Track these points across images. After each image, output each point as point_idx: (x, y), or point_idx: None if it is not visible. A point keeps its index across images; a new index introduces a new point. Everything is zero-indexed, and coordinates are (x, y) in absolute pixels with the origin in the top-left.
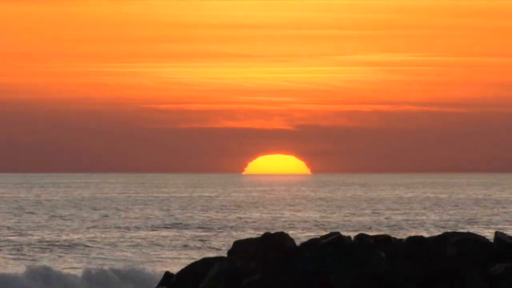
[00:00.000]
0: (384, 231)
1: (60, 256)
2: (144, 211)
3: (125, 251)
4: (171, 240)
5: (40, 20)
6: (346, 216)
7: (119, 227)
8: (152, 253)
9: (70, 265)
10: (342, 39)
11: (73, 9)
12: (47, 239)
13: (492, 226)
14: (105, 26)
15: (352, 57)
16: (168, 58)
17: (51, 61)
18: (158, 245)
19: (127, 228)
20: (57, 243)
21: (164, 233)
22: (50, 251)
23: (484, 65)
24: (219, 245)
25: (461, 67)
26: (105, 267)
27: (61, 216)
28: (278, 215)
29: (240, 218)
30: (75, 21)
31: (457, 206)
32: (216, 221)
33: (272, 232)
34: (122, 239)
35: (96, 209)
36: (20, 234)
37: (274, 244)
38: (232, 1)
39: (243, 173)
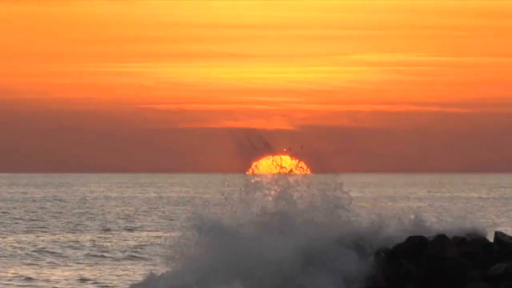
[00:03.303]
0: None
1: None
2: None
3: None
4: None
5: (40, 20)
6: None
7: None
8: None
9: None
10: (342, 39)
11: (73, 9)
12: None
13: None
14: (105, 26)
15: (352, 57)
16: (168, 58)
17: (51, 61)
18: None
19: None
20: None
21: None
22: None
23: (484, 65)
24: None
25: (461, 67)
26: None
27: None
28: None
29: None
30: (75, 21)
31: None
32: None
33: None
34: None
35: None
36: None
37: None
38: (232, 1)
39: (247, 173)
